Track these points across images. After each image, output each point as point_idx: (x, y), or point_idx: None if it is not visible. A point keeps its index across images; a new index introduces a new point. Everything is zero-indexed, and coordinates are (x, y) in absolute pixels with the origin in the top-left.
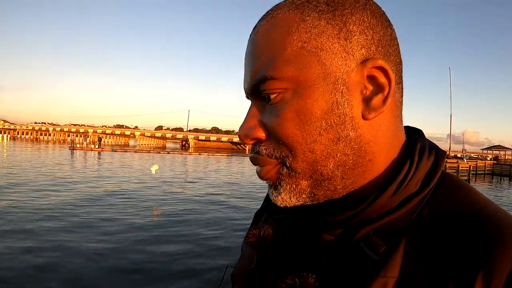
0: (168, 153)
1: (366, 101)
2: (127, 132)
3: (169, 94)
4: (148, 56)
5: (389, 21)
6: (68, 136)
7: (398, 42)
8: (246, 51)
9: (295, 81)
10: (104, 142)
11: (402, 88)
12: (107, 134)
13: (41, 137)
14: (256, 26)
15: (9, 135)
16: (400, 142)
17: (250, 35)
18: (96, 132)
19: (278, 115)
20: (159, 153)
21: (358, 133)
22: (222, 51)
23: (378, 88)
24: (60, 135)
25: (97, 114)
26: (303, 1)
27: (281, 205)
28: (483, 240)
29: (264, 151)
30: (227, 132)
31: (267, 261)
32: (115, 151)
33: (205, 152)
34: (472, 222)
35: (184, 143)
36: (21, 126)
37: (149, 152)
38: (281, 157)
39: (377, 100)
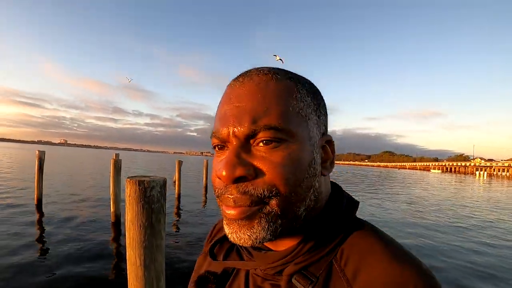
0: None
1: (323, 163)
2: None
3: None
4: None
5: None
6: None
7: None
8: (239, 94)
9: (293, 136)
10: None
11: None
12: None
13: None
14: (249, 76)
15: (485, 172)
16: (327, 196)
17: (241, 81)
18: None
19: (277, 160)
20: None
21: (319, 185)
22: None
23: (328, 155)
24: None
25: None
26: (295, 76)
27: (248, 243)
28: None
29: (253, 190)
30: None
31: None
32: None
33: None
34: (378, 257)
35: None
36: (496, 163)
37: None
38: (269, 196)
39: (328, 163)
